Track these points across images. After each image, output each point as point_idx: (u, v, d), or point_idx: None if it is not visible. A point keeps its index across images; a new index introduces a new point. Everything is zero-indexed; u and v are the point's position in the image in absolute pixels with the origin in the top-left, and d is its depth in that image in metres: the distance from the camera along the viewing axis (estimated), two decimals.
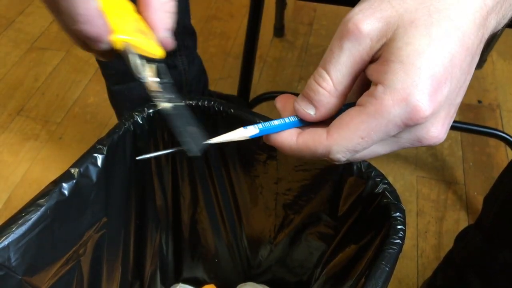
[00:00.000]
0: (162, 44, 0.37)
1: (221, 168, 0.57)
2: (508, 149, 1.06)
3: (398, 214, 0.43)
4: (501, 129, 1.08)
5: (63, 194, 0.43)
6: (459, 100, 0.31)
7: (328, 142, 0.30)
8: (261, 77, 1.21)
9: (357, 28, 0.29)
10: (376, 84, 0.29)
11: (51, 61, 1.22)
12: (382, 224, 0.44)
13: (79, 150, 1.02)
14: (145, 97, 0.76)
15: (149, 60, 0.36)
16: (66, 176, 0.44)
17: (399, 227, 0.42)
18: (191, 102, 0.52)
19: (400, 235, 0.41)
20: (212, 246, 0.64)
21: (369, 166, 0.47)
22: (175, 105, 0.35)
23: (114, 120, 1.07)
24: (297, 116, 0.33)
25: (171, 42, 0.38)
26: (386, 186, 0.45)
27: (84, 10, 0.32)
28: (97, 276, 0.51)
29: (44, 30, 1.31)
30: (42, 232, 0.42)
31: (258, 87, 1.17)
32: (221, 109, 0.52)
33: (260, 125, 0.33)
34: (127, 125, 0.50)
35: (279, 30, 1.31)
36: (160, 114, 0.52)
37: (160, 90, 0.35)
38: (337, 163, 0.32)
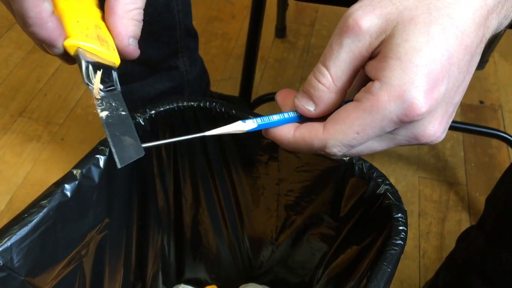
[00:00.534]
0: (125, 52, 0.37)
1: (222, 169, 0.57)
2: (510, 149, 1.06)
3: (400, 215, 0.43)
4: (503, 130, 1.08)
5: (66, 195, 0.43)
6: (457, 99, 0.31)
7: (324, 135, 0.31)
8: (262, 78, 1.21)
9: (357, 24, 0.29)
10: (373, 80, 0.29)
11: (53, 62, 1.22)
12: (384, 225, 0.44)
13: (81, 151, 1.02)
14: (146, 98, 0.76)
15: (102, 67, 0.35)
16: (68, 177, 0.44)
17: (401, 228, 0.42)
18: (192, 103, 0.52)
19: (402, 236, 0.42)
20: (214, 247, 0.64)
21: (371, 167, 0.47)
22: (117, 114, 0.34)
23: None
24: (296, 111, 0.34)
25: (135, 50, 0.37)
26: (388, 187, 0.45)
27: (35, 13, 0.32)
28: (99, 277, 0.51)
29: None
30: (44, 233, 0.42)
31: (259, 88, 1.18)
32: (223, 110, 0.52)
33: (259, 120, 0.33)
34: None
35: (280, 31, 1.31)
36: (162, 116, 0.52)
37: (103, 98, 0.35)
38: (333, 157, 0.32)
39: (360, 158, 0.48)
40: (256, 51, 0.92)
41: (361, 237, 0.48)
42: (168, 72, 0.74)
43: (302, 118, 0.34)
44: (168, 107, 0.52)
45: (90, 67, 0.35)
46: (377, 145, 0.32)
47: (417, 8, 0.28)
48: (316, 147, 0.32)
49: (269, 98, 1.01)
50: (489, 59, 1.25)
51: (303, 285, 0.62)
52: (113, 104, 0.35)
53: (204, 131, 0.54)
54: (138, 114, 0.51)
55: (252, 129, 0.33)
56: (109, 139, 0.32)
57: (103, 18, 0.37)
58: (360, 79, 0.33)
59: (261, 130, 0.34)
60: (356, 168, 0.47)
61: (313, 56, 1.27)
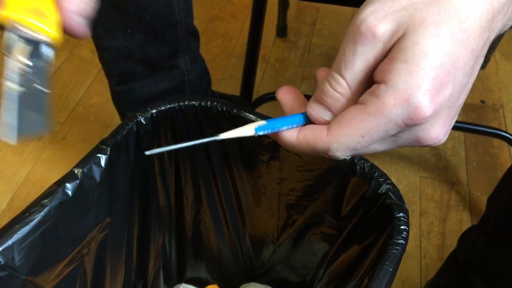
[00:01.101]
0: (69, 29, 0.36)
1: (224, 169, 0.57)
2: None
3: (401, 214, 0.43)
4: (504, 130, 1.08)
5: (67, 194, 0.43)
6: (461, 102, 0.31)
7: (328, 139, 0.31)
8: (263, 78, 1.21)
9: (370, 32, 0.29)
10: (379, 83, 0.29)
11: (54, 61, 1.22)
12: (385, 224, 0.44)
13: (82, 150, 1.02)
14: (148, 97, 0.76)
15: (33, 41, 0.34)
16: (69, 176, 0.44)
17: (402, 227, 0.42)
18: (194, 102, 0.52)
19: (403, 235, 0.41)
20: (215, 246, 0.64)
21: (372, 167, 0.47)
22: (31, 88, 0.34)
23: (117, 120, 1.07)
24: (304, 116, 0.33)
25: (79, 27, 0.36)
26: (389, 186, 0.45)
27: None
28: (101, 276, 0.51)
29: None
30: (46, 232, 0.42)
31: (260, 87, 1.18)
32: (224, 109, 0.52)
33: (266, 124, 0.33)
34: (130, 125, 0.50)
35: (281, 31, 1.31)
36: (163, 115, 0.52)
37: (28, 73, 0.34)
38: (335, 159, 0.32)
39: (361, 157, 0.48)
40: (257, 50, 0.91)
41: (362, 236, 0.48)
42: (169, 71, 0.74)
43: (309, 122, 0.33)
44: (169, 106, 0.52)
45: (13, 37, 0.34)
46: (378, 147, 0.32)
47: (427, 9, 0.28)
48: (319, 150, 0.32)
49: (270, 97, 1.01)
50: (491, 58, 1.24)
51: (304, 284, 0.62)
52: (31, 78, 0.34)
53: (206, 131, 0.54)
54: (139, 113, 0.51)
55: (260, 132, 0.33)
56: (16, 111, 0.33)
57: None
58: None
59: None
60: (358, 167, 0.47)
61: (314, 56, 1.27)
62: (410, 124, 0.28)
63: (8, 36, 0.34)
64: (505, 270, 0.60)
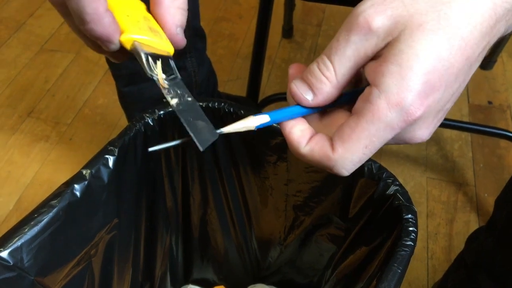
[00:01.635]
0: (173, 41, 0.37)
1: (231, 169, 0.57)
2: None
3: (410, 216, 0.43)
4: (511, 131, 1.08)
5: (75, 195, 0.44)
6: (449, 105, 0.31)
7: (334, 156, 0.31)
8: (269, 78, 1.21)
9: (367, 23, 0.29)
10: (371, 86, 0.29)
11: (61, 63, 1.23)
12: (393, 226, 0.44)
13: (89, 151, 1.02)
14: (155, 98, 0.76)
15: (160, 57, 0.36)
16: (78, 177, 0.44)
17: (411, 229, 0.42)
18: (201, 103, 0.52)
19: (412, 237, 0.41)
20: (222, 247, 0.64)
21: (380, 168, 0.47)
22: (185, 100, 0.35)
23: (123, 121, 1.07)
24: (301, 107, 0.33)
25: (182, 39, 0.38)
26: (397, 187, 0.45)
27: (92, 9, 0.32)
28: (108, 277, 0.52)
29: (54, 32, 1.31)
30: (54, 233, 0.42)
31: (267, 88, 1.18)
32: (231, 110, 0.52)
33: (265, 116, 0.33)
34: (138, 126, 0.50)
35: (287, 31, 1.31)
36: (171, 116, 0.52)
37: (170, 87, 0.35)
38: (341, 175, 0.32)
39: (369, 158, 0.47)
40: (263, 51, 0.91)
41: (370, 238, 0.48)
42: None
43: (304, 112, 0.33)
44: None
45: (150, 59, 0.35)
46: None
47: (427, 13, 0.28)
48: (325, 166, 0.32)
49: (277, 98, 1.01)
50: (498, 59, 1.24)
51: (311, 286, 0.62)
52: (179, 92, 0.35)
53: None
54: (147, 115, 0.51)
55: (260, 125, 0.33)
56: (186, 125, 0.33)
57: (148, 10, 0.38)
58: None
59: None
60: (366, 168, 0.47)
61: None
62: (403, 127, 0.29)
63: (145, 57, 0.35)
64: None
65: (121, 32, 0.35)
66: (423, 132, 0.30)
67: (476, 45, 0.28)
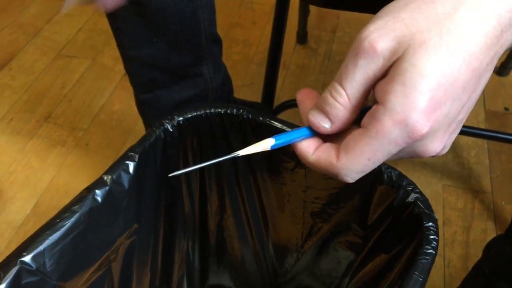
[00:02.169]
0: None
1: (248, 176, 0.58)
2: None
3: (431, 224, 0.42)
4: None
5: (97, 200, 0.44)
6: (462, 116, 0.32)
7: (338, 165, 0.32)
8: (284, 84, 1.21)
9: (372, 47, 0.30)
10: (378, 104, 0.30)
11: (77, 68, 1.24)
12: (413, 233, 0.44)
13: (105, 157, 1.03)
14: (172, 105, 0.77)
15: None
16: (99, 182, 0.45)
17: (432, 237, 0.42)
18: (220, 110, 0.53)
19: (433, 245, 0.41)
20: (238, 253, 0.64)
21: (400, 175, 0.47)
22: None
23: (139, 127, 1.08)
24: (309, 128, 0.35)
25: None
26: (418, 195, 0.45)
27: None
28: (127, 281, 0.52)
29: (71, 38, 1.33)
30: (76, 238, 0.43)
31: (281, 94, 1.18)
32: (250, 117, 0.52)
33: (274, 140, 0.36)
34: (157, 132, 0.50)
35: (302, 37, 1.31)
36: (190, 122, 0.53)
37: None
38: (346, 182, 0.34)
39: (389, 166, 0.47)
40: (278, 57, 0.92)
41: (389, 245, 0.48)
42: (193, 79, 0.75)
43: (316, 133, 0.35)
44: (195, 114, 0.52)
45: None
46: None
47: (429, 31, 0.29)
48: (330, 173, 0.34)
49: (292, 104, 1.01)
50: None
51: None
52: None
53: (231, 138, 0.54)
54: (167, 121, 0.51)
55: (272, 146, 0.36)
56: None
57: None
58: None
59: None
60: (385, 176, 0.47)
61: (335, 63, 1.27)
62: (409, 142, 0.30)
63: None
64: None
65: None
66: (435, 145, 0.31)
67: (482, 56, 0.29)
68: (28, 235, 0.41)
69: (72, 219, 0.42)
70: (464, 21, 0.28)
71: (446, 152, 1.12)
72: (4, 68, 1.24)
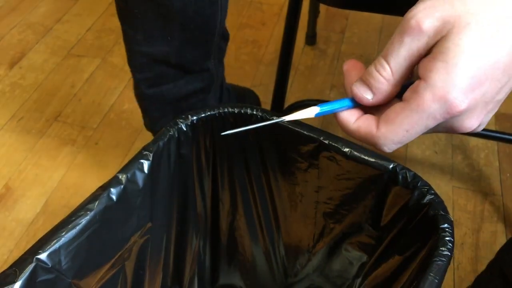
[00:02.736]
0: None
1: (261, 176, 0.58)
2: None
3: (446, 225, 0.42)
4: None
5: (111, 199, 0.44)
6: (501, 97, 0.33)
7: (377, 134, 0.35)
8: (292, 85, 1.21)
9: (418, 25, 0.31)
10: (420, 79, 0.32)
11: (87, 68, 1.25)
12: (428, 235, 0.44)
13: (114, 156, 1.04)
14: (177, 98, 0.76)
15: None
16: (114, 181, 0.45)
17: (447, 238, 0.41)
18: (233, 109, 0.53)
19: (449, 246, 0.41)
20: (249, 253, 0.64)
21: (415, 176, 0.46)
22: None
23: None
24: (352, 99, 0.37)
25: None
26: (433, 196, 0.45)
27: None
28: (140, 280, 0.52)
29: (80, 37, 1.34)
30: (91, 236, 0.43)
31: (290, 94, 1.18)
32: (263, 117, 0.52)
33: (320, 108, 0.38)
34: (171, 132, 0.50)
35: (311, 38, 1.31)
36: (203, 121, 0.53)
37: None
38: (383, 152, 0.36)
39: (403, 167, 0.47)
40: (289, 58, 0.92)
41: (403, 247, 0.48)
42: (200, 73, 0.75)
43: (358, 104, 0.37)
44: (209, 113, 0.53)
45: None
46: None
47: (476, 13, 0.30)
48: (369, 142, 0.36)
49: (302, 105, 1.01)
50: None
51: None
52: None
53: (244, 138, 0.54)
54: (181, 120, 0.51)
55: (317, 114, 0.38)
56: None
57: None
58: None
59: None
60: (400, 176, 0.47)
61: (343, 63, 1.26)
62: (447, 117, 0.31)
63: None
64: None
65: None
66: (472, 122, 0.33)
67: None
68: (38, 233, 0.42)
69: (87, 217, 0.42)
70: (511, 7, 0.30)
71: (456, 154, 1.11)
72: (14, 67, 1.25)
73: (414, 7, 0.32)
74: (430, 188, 0.45)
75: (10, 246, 0.88)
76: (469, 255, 0.89)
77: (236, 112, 0.53)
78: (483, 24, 0.30)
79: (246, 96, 1.04)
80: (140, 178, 0.47)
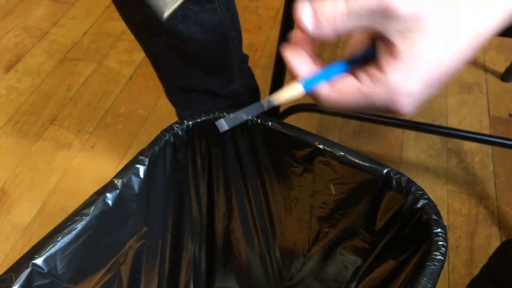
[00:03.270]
0: None
1: (256, 180, 0.58)
2: None
3: (439, 230, 0.43)
4: None
5: (107, 204, 0.44)
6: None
7: (324, 97, 0.35)
8: None
9: (395, 6, 0.30)
10: (380, 69, 0.32)
11: (83, 71, 1.25)
12: (422, 239, 0.44)
13: (110, 159, 1.04)
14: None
15: None
16: (109, 186, 0.45)
17: (440, 243, 0.42)
18: (228, 114, 0.53)
19: (442, 251, 0.41)
20: (245, 257, 0.65)
21: (409, 181, 0.47)
22: None
23: (144, 130, 1.09)
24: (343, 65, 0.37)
25: None
26: (426, 201, 0.45)
27: None
28: (135, 285, 0.52)
29: (77, 41, 1.34)
30: (86, 241, 0.43)
31: None
32: (259, 122, 0.53)
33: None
34: (167, 137, 0.51)
35: None
36: (199, 126, 0.53)
37: None
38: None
39: (397, 171, 0.48)
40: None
41: (397, 251, 0.48)
42: (227, 96, 0.77)
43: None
44: (204, 118, 0.53)
45: None
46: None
47: (441, 19, 0.30)
48: (322, 106, 0.37)
49: (298, 109, 1.01)
50: None
51: None
52: None
53: (240, 143, 0.54)
54: (177, 125, 0.51)
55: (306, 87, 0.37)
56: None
57: None
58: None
59: None
60: (394, 181, 0.47)
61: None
62: (388, 112, 0.33)
63: None
64: None
65: None
66: (407, 113, 0.34)
67: (477, 50, 0.31)
68: (34, 237, 0.42)
69: (83, 222, 0.43)
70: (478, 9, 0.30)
71: (451, 158, 1.10)
72: (10, 70, 1.25)
73: None
74: (424, 193, 0.46)
75: (5, 249, 0.88)
76: (463, 258, 0.90)
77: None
78: (441, 29, 0.30)
79: None
80: (135, 183, 0.47)
